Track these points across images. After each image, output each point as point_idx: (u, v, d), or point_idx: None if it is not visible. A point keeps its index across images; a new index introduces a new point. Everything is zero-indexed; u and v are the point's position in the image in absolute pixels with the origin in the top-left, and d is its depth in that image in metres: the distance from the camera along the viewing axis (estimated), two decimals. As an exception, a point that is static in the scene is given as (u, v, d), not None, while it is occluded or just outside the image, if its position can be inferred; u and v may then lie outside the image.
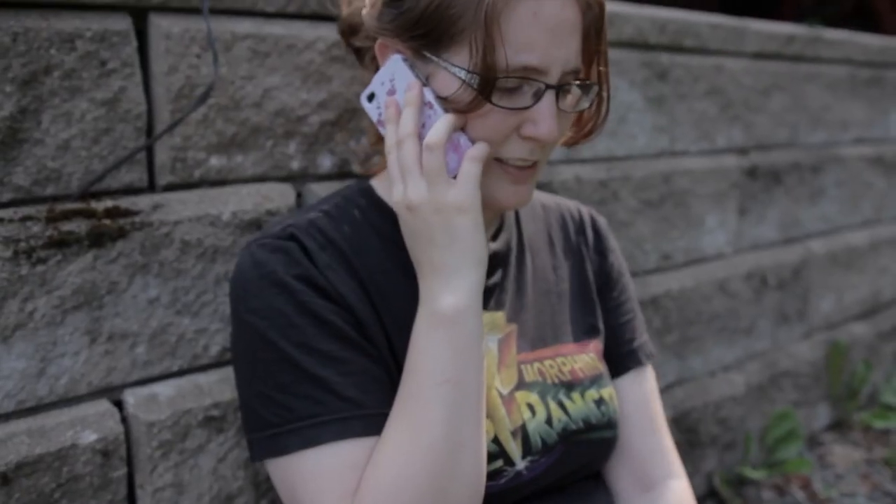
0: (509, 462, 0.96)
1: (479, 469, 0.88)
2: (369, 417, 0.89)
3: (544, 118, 0.88)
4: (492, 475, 0.94)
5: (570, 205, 1.22)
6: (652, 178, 1.95)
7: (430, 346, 0.88)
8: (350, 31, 1.10)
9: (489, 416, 0.96)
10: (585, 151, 1.81)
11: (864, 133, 2.75)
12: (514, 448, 0.96)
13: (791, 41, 2.34)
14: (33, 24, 1.04)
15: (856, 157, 2.68)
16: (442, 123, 0.89)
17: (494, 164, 0.93)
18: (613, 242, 1.21)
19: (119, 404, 1.15)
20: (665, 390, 2.05)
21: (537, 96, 0.88)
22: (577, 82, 0.91)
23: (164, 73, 1.15)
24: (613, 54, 1.83)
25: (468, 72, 0.86)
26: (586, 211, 1.22)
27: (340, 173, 1.36)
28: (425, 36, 0.89)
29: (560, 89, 0.89)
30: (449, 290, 0.88)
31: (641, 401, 1.11)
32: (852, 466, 2.39)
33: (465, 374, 0.87)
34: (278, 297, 0.91)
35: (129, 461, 1.15)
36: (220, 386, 1.21)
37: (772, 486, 2.25)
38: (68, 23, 1.07)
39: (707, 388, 2.14)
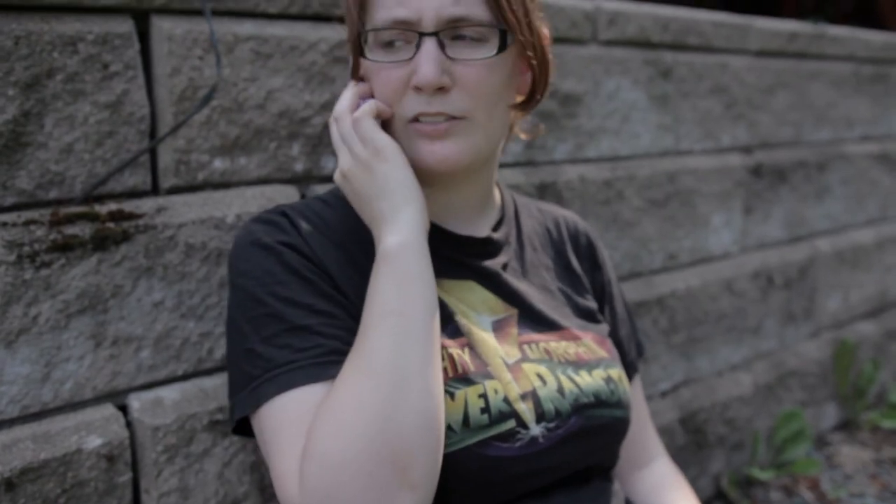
0: (522, 424, 0.95)
1: (430, 402, 0.85)
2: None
3: (421, 64, 0.92)
4: (505, 436, 0.93)
5: (566, 212, 1.26)
6: (657, 178, 1.94)
7: (376, 283, 0.90)
8: None
9: (496, 377, 0.96)
10: (589, 151, 1.81)
11: (869, 130, 2.74)
12: (524, 409, 0.95)
13: (794, 38, 2.33)
14: (35, 27, 1.04)
15: (861, 154, 2.67)
16: (345, 95, 0.99)
17: (409, 126, 0.96)
18: (605, 252, 1.26)
19: (124, 409, 1.14)
20: (672, 391, 2.04)
21: (418, 46, 0.92)
22: (469, 29, 0.93)
23: (166, 75, 1.15)
24: (617, 53, 1.82)
25: (347, 39, 0.98)
26: (581, 221, 1.26)
27: (344, 175, 1.35)
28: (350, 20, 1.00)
29: (444, 36, 0.93)
30: (390, 231, 0.92)
31: (636, 400, 1.23)
32: (861, 467, 2.37)
33: (409, 306, 0.88)
34: (266, 258, 0.95)
35: (135, 466, 1.14)
36: (224, 389, 1.20)
37: (780, 487, 2.23)
38: (70, 26, 1.07)
39: (714, 388, 2.13)
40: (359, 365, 0.85)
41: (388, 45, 0.95)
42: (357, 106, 0.98)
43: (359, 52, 0.98)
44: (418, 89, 0.93)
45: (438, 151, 0.95)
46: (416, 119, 0.95)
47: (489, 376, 0.96)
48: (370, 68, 0.97)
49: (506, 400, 0.95)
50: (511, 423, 0.94)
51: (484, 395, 0.94)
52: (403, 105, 0.95)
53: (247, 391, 0.91)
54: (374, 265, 0.92)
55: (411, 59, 0.93)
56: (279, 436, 0.87)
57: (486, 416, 0.93)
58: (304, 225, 0.98)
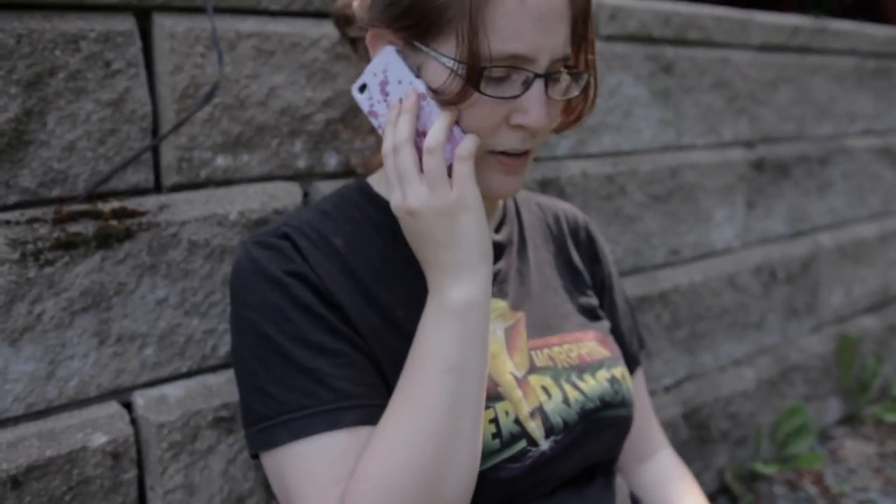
0: (532, 443, 0.95)
1: (474, 461, 0.87)
2: (360, 408, 0.89)
3: (534, 106, 0.89)
4: (517, 457, 0.93)
5: (566, 206, 1.25)
6: (659, 173, 1.94)
7: (437, 335, 0.88)
8: (345, 21, 1.15)
9: (507, 398, 0.96)
10: (591, 146, 1.81)
11: (871, 125, 2.73)
12: (534, 428, 0.96)
13: (796, 33, 2.33)
14: (37, 25, 1.04)
15: (863, 148, 2.67)
16: (440, 124, 0.90)
17: (487, 154, 0.94)
18: (605, 246, 1.25)
19: (129, 406, 1.14)
20: (675, 386, 2.04)
21: (526, 85, 0.89)
22: (567, 70, 0.92)
23: (168, 72, 1.15)
24: (618, 48, 1.82)
25: (456, 61, 0.87)
26: (581, 214, 1.25)
27: (347, 171, 1.35)
28: (414, 26, 0.89)
29: (549, 77, 0.90)
30: (458, 284, 0.90)
31: (638, 393, 1.22)
32: (864, 461, 2.37)
33: (469, 365, 0.87)
34: (272, 292, 0.92)
35: (140, 463, 1.14)
36: (229, 386, 1.20)
37: (784, 482, 2.23)
38: (72, 24, 1.07)
39: (717, 383, 2.13)
40: (412, 420, 0.85)
41: (499, 79, 0.88)
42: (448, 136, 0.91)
43: (473, 81, 0.87)
44: (520, 127, 0.90)
45: (510, 184, 0.96)
46: (501, 152, 0.93)
47: (500, 398, 0.95)
48: (469, 98, 0.89)
49: (517, 421, 0.95)
50: (522, 444, 0.94)
51: (495, 420, 0.94)
52: (497, 138, 0.92)
53: (257, 429, 0.91)
54: (430, 312, 0.90)
55: (518, 96, 0.89)
56: (305, 485, 0.86)
57: (497, 441, 0.93)
58: (309, 248, 0.95)
